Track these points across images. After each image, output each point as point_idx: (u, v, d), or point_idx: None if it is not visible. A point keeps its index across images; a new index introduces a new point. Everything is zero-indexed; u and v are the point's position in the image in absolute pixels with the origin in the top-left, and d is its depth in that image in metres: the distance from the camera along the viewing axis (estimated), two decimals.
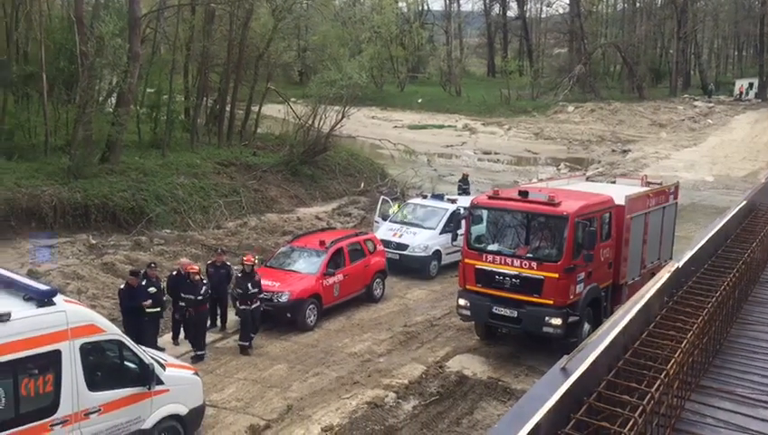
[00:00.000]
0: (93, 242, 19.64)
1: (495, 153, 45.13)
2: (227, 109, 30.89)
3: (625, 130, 51.10)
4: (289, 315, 15.55)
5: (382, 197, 24.31)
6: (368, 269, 17.78)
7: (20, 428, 8.54)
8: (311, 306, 15.95)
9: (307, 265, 16.64)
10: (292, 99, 35.67)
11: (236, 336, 15.16)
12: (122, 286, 13.79)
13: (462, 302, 14.74)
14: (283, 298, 15.51)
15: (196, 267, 14.47)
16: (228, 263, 16.39)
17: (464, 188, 27.00)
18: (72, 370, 9.03)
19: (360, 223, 25.13)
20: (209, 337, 14.95)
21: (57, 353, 8.88)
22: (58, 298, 9.17)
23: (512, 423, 4.94)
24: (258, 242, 21.71)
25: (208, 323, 15.40)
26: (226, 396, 12.52)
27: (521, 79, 62.50)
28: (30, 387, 8.66)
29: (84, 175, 21.29)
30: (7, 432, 8.42)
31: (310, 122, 29.83)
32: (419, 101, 61.43)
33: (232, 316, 15.84)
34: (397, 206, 22.91)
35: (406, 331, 16.14)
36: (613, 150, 45.38)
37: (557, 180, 19.62)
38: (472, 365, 14.39)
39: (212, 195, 24.28)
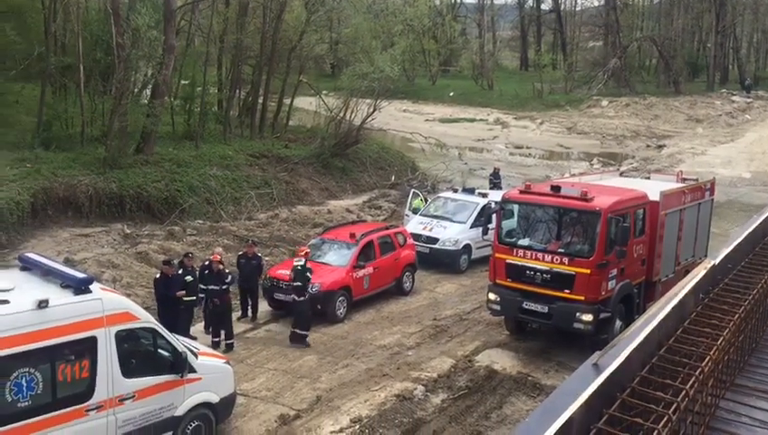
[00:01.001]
0: (128, 231, 19.96)
1: (527, 147, 44.73)
2: (260, 101, 31.10)
3: (660, 126, 50.26)
4: (319, 307, 15.62)
5: (413, 190, 24.30)
6: (398, 262, 17.80)
7: (56, 412, 8.73)
8: (341, 298, 16.03)
9: (337, 258, 16.70)
10: (324, 91, 35.81)
11: (267, 326, 15.36)
12: (157, 275, 13.99)
13: (492, 296, 14.69)
14: (314, 290, 15.58)
15: (219, 257, 14.57)
16: (259, 254, 16.53)
17: (495, 182, 26.84)
18: (108, 356, 9.22)
19: (390, 216, 25.15)
20: (240, 327, 15.13)
21: (93, 340, 9.08)
22: (94, 286, 9.37)
23: (543, 417, 4.91)
24: (289, 234, 21.85)
25: (240, 313, 15.61)
26: (257, 385, 12.65)
27: (554, 72, 61.76)
28: (66, 373, 8.86)
29: (119, 165, 21.64)
30: (44, 416, 8.61)
31: (341, 115, 29.92)
32: (451, 94, 61.13)
33: (263, 307, 16.00)
34: (419, 200, 22.86)
35: (435, 324, 16.14)
36: (648, 146, 44.68)
37: (590, 175, 19.40)
38: (501, 360, 14.34)
39: (244, 186, 24.52)
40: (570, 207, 13.92)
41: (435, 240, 20.01)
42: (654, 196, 14.95)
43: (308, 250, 15.47)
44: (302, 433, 11.27)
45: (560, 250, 13.77)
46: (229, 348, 13.92)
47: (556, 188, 14.18)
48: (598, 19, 70.21)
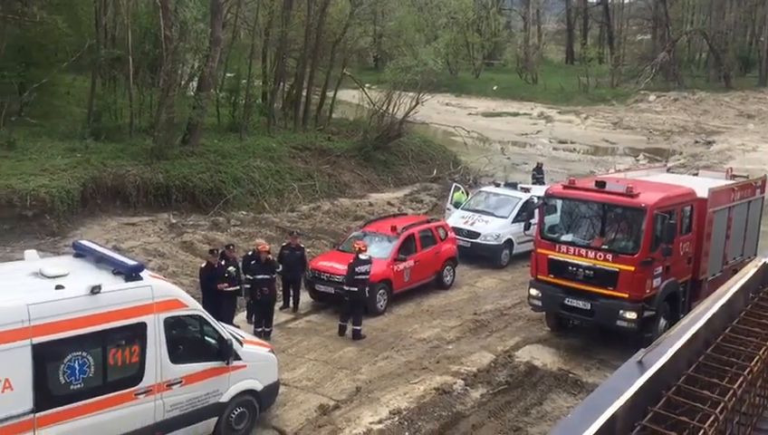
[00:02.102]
0: (173, 221, 20.34)
1: (571, 142, 44.16)
2: (303, 94, 31.30)
3: (710, 121, 49.10)
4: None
5: (454, 184, 24.22)
6: (438, 256, 17.77)
7: (107, 395, 9.01)
8: (381, 291, 16.07)
9: (378, 250, 16.73)
10: (367, 84, 35.87)
11: (309, 317, 15.53)
12: (203, 265, 14.22)
13: (533, 292, 14.58)
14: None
15: (267, 247, 14.73)
16: (302, 245, 16.67)
17: (538, 177, 26.60)
18: (157, 342, 9.45)
19: (431, 210, 25.13)
20: (282, 317, 15.32)
21: (143, 326, 9.32)
22: (144, 273, 9.64)
23: (585, 414, 4.88)
24: (331, 226, 22.00)
25: (282, 303, 15.80)
26: (298, 375, 12.78)
27: (600, 66, 60.83)
28: (117, 357, 9.14)
29: (166, 156, 22.01)
30: (96, 399, 8.89)
31: (384, 108, 29.94)
32: (494, 88, 60.66)
33: (305, 298, 16.14)
34: (461, 194, 22.75)
35: (475, 319, 16.08)
36: (696, 142, 43.70)
37: (636, 171, 19.08)
38: (542, 356, 14.22)
39: (287, 178, 24.75)
40: (615, 203, 13.72)
41: (476, 234, 19.92)
42: (702, 193, 14.65)
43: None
44: (342, 423, 11.36)
45: (603, 247, 13.59)
46: (266, 336, 14.08)
47: (601, 184, 13.99)
48: (646, 12, 68.82)
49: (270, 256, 14.44)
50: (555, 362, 14.00)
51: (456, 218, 20.63)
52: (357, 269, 14.63)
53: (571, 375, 13.43)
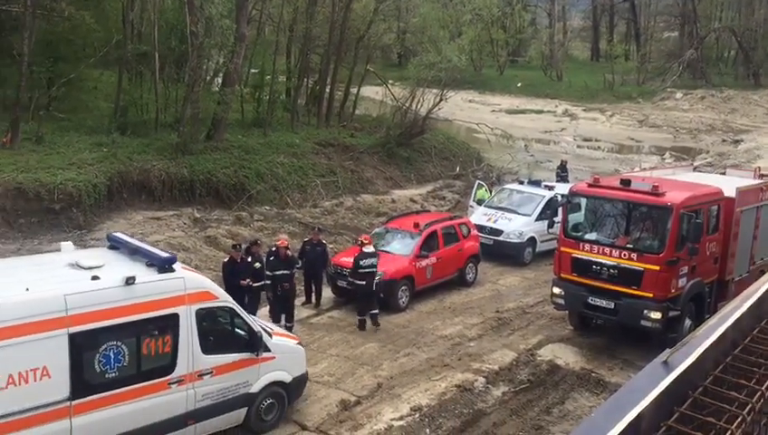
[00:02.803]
0: (198, 216, 20.50)
1: (596, 140, 43.74)
2: (327, 90, 31.36)
3: (738, 120, 48.37)
4: (381, 295, 15.71)
5: (477, 181, 24.13)
6: (461, 253, 17.73)
7: (141, 384, 9.25)
8: (403, 287, 16.08)
9: (401, 247, 16.75)
10: (391, 81, 35.87)
11: (330, 313, 15.60)
12: (226, 259, 14.32)
13: (556, 290, 14.49)
14: (377, 278, 15.67)
15: (287, 242, 14.79)
16: (324, 241, 16.72)
17: (562, 175, 26.41)
18: (189, 333, 9.66)
19: (454, 207, 25.07)
20: (304, 313, 15.38)
21: (175, 317, 9.53)
22: (177, 265, 9.83)
23: (609, 414, 4.83)
24: (353, 222, 22.04)
25: (304, 299, 15.86)
26: (319, 370, 12.83)
27: (626, 64, 60.16)
28: (151, 347, 9.37)
29: (191, 151, 22.19)
30: (130, 387, 9.10)
31: (407, 105, 29.90)
32: (519, 85, 60.30)
33: (327, 294, 16.19)
34: (484, 191, 22.67)
35: (497, 317, 16.03)
36: (724, 140, 43.07)
37: (662, 170, 18.87)
38: (564, 355, 14.15)
39: (310, 174, 24.84)
40: (640, 201, 13.58)
41: (499, 232, 19.84)
42: (729, 192, 14.46)
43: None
44: (363, 419, 11.38)
45: (628, 245, 13.46)
46: (288, 331, 14.13)
47: (626, 182, 13.85)
48: (674, 9, 67.94)
49: (289, 251, 14.49)
50: (578, 361, 13.91)
51: (478, 216, 20.57)
52: (361, 263, 14.76)
53: (593, 375, 13.34)
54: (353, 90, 33.58)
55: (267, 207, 22.22)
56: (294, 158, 25.16)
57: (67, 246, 10.22)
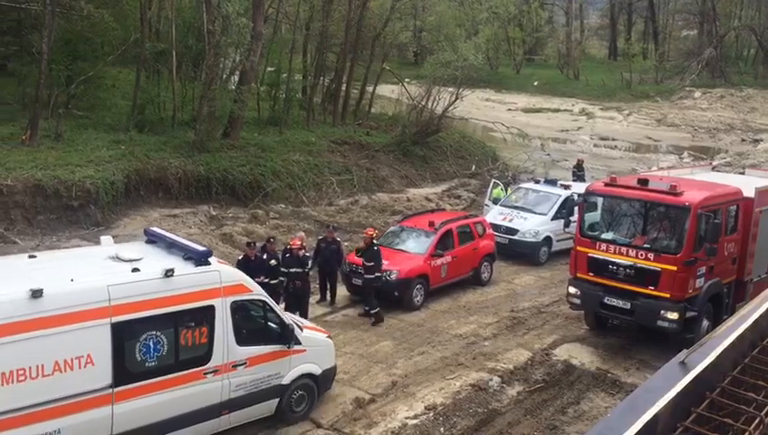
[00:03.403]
0: (213, 213, 20.61)
1: (613, 139, 43.47)
2: (343, 88, 31.40)
3: (757, 119, 47.85)
4: (396, 294, 15.73)
5: (493, 180, 24.06)
6: (476, 252, 17.68)
7: (179, 373, 9.51)
8: (418, 286, 16.06)
9: (416, 246, 16.74)
10: (407, 79, 35.86)
11: (345, 311, 15.64)
12: (240, 257, 14.37)
13: (572, 290, 14.40)
14: (392, 277, 15.69)
15: (299, 242, 14.83)
16: (338, 239, 16.74)
17: (578, 174, 26.25)
18: (224, 324, 9.89)
19: (469, 206, 25.02)
20: (319, 310, 15.41)
21: (211, 309, 9.77)
22: (212, 259, 10.07)
23: (625, 414, 4.80)
24: (368, 220, 22.05)
25: (319, 296, 15.89)
26: None
27: (644, 62, 59.69)
28: (188, 337, 9.62)
29: (207, 149, 22.31)
30: (168, 377, 9.41)
31: (423, 103, 29.87)
32: (535, 83, 60.07)
33: (342, 292, 16.21)
34: (499, 190, 22.60)
35: (512, 316, 15.97)
36: (743, 140, 42.67)
37: (680, 169, 18.72)
38: (580, 355, 14.07)
39: (325, 172, 24.88)
40: (658, 201, 13.47)
41: (514, 231, 19.77)
42: (748, 192, 14.30)
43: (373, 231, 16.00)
44: (377, 417, 11.38)
45: (645, 245, 13.36)
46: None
47: (643, 182, 13.75)
48: (693, 7, 67.32)
49: (302, 251, 14.50)
50: (593, 361, 13.83)
51: (494, 215, 20.50)
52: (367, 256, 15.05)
53: (609, 375, 13.25)
54: (369, 88, 33.60)
55: (283, 205, 22.29)
56: (310, 156, 25.22)
57: (106, 239, 10.51)
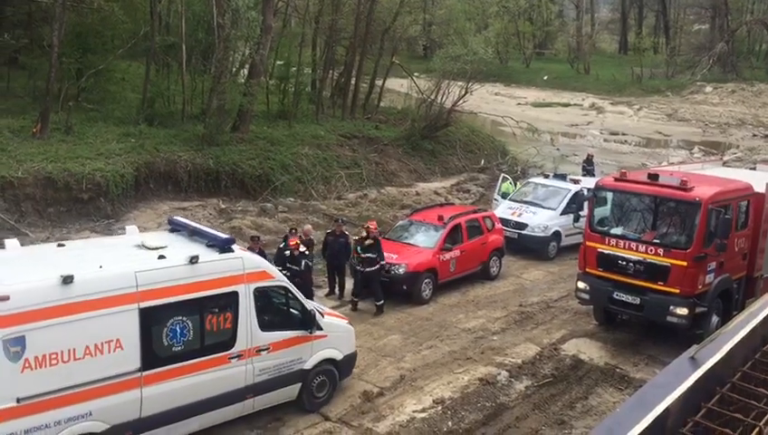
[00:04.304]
0: (223, 206, 20.65)
1: (623, 134, 43.26)
2: (352, 82, 31.35)
3: None
4: (405, 288, 15.74)
5: (502, 175, 24.00)
6: (485, 246, 17.66)
7: (204, 358, 9.78)
8: (426, 280, 16.07)
9: (425, 240, 16.74)
10: (416, 73, 35.73)
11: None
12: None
13: (581, 285, 14.37)
14: (400, 270, 15.71)
15: (297, 241, 14.73)
16: (347, 233, 16.75)
17: (588, 169, 26.14)
18: (247, 310, 10.15)
19: (478, 200, 24.97)
20: (327, 304, 15.38)
21: (235, 295, 10.03)
22: (235, 246, 10.46)
23: (635, 409, 4.79)
24: (377, 214, 22.04)
25: (327, 290, 15.93)
26: None
27: (655, 57, 59.31)
28: (213, 323, 9.89)
29: (217, 142, 22.33)
30: (194, 361, 9.66)
31: (432, 97, 29.79)
32: (545, 78, 59.79)
33: (350, 285, 16.22)
34: (508, 184, 22.54)
35: (521, 310, 15.96)
36: (754, 135, 42.38)
37: (690, 164, 18.61)
38: (588, 350, 14.05)
39: (334, 166, 24.88)
40: (668, 196, 13.40)
41: (523, 226, 19.73)
42: (759, 187, 14.22)
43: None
44: (385, 411, 11.41)
45: (655, 241, 13.31)
46: None
47: (654, 177, 13.69)
48: (704, 1, 66.78)
49: (298, 250, 14.38)
50: (602, 356, 13.81)
51: (503, 209, 20.46)
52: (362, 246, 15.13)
53: (618, 370, 13.24)
54: (378, 82, 33.52)
55: (292, 199, 22.31)
56: (319, 149, 25.22)
57: (132, 229, 10.78)
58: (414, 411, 11.42)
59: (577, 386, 12.69)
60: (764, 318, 6.47)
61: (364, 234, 15.58)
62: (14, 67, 25.36)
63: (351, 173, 24.95)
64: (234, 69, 27.08)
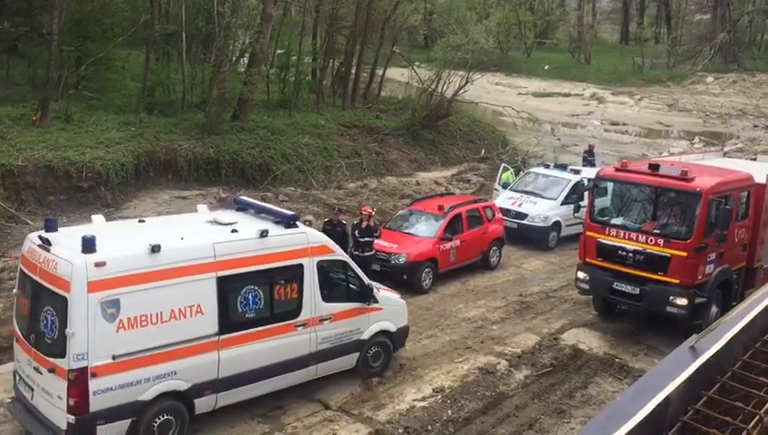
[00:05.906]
0: (223, 196, 20.63)
1: (624, 124, 43.23)
2: (352, 71, 31.28)
3: None
4: (405, 277, 15.75)
5: (503, 164, 23.99)
6: (485, 236, 17.67)
7: (273, 325, 10.47)
8: (426, 270, 16.09)
9: (425, 229, 16.75)
10: (417, 63, 35.65)
11: None
12: None
13: (581, 275, 14.40)
14: (400, 260, 15.73)
15: None
16: (345, 222, 16.75)
17: (588, 159, 26.16)
18: (311, 282, 10.83)
19: (479, 190, 24.96)
20: None
21: (300, 267, 10.72)
22: (298, 223, 11.10)
23: (635, 397, 4.81)
24: (377, 204, 22.03)
25: None
26: None
27: (656, 47, 59.19)
28: (281, 293, 10.59)
29: (217, 132, 22.29)
30: (264, 328, 10.35)
31: (433, 87, 29.74)
32: (546, 67, 59.65)
33: None
34: (509, 174, 22.53)
35: (521, 300, 15.99)
36: (755, 126, 42.32)
37: (691, 155, 18.60)
38: (588, 340, 14.09)
39: (334, 155, 24.87)
40: (668, 186, 13.40)
41: (524, 216, 19.74)
42: (760, 178, 14.23)
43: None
44: (385, 399, 11.44)
45: (655, 231, 13.32)
46: None
47: (654, 167, 13.68)
48: None
49: None
50: (601, 346, 13.85)
51: (503, 199, 20.47)
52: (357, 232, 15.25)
53: (617, 360, 13.27)
54: (379, 71, 33.45)
55: (292, 188, 22.31)
56: (319, 139, 25.19)
57: (202, 207, 11.49)
58: (414, 400, 11.45)
59: (576, 376, 12.73)
60: (765, 307, 6.48)
61: (363, 222, 15.57)
62: (14, 55, 25.28)
63: (352, 163, 24.94)
64: (234, 58, 27.02)
